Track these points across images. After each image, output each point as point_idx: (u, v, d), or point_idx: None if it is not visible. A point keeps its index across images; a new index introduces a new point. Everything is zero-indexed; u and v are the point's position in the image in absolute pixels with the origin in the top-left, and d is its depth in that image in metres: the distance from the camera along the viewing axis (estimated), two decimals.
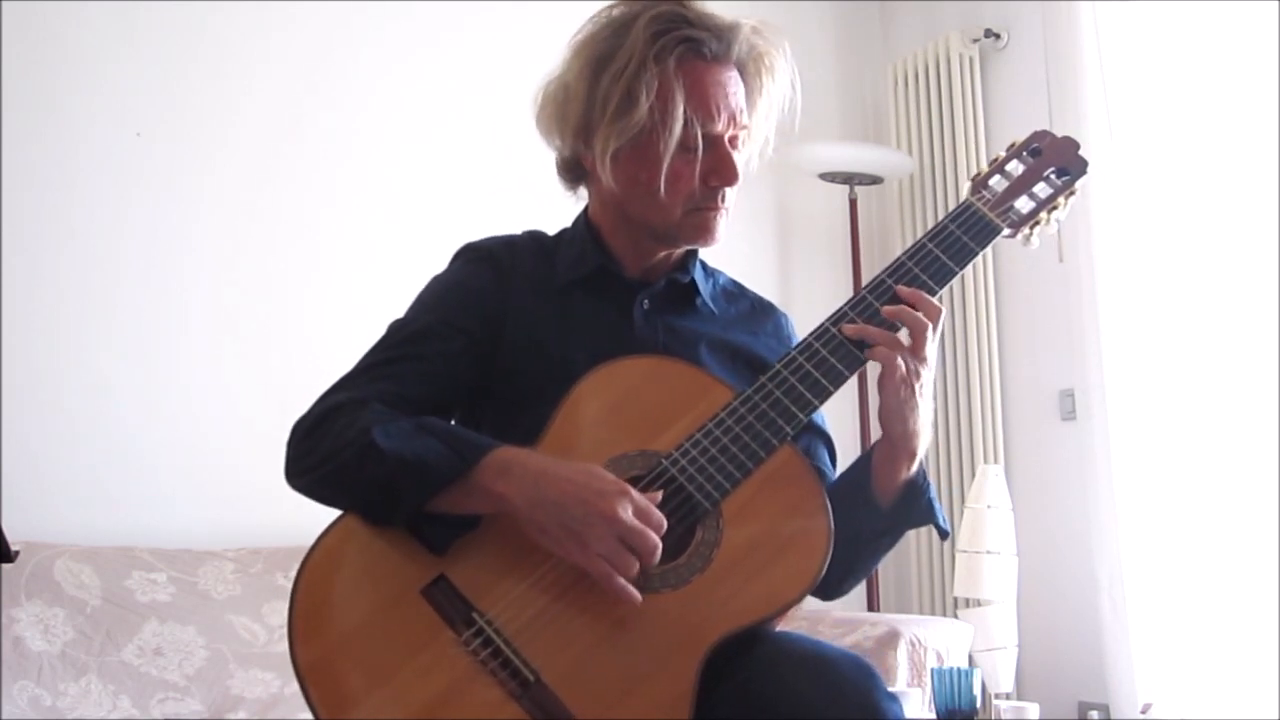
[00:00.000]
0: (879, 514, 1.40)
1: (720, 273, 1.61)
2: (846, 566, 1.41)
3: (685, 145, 1.40)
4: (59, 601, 2.53)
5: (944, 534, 1.45)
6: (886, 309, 1.38)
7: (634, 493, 1.23)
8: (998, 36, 3.76)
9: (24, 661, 2.40)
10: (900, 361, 1.35)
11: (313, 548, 1.29)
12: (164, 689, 2.48)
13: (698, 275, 1.53)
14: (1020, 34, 3.70)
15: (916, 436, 1.37)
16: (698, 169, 1.41)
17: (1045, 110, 3.50)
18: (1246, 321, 3.02)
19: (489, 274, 1.48)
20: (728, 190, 1.44)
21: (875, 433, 3.65)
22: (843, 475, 1.47)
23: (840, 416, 3.48)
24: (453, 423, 1.49)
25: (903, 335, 1.38)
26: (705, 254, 1.58)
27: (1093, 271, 3.26)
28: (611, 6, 1.44)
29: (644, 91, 1.37)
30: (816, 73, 4.09)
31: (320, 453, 1.32)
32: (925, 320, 1.36)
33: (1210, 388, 3.08)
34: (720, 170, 1.42)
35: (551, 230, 1.58)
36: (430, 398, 1.41)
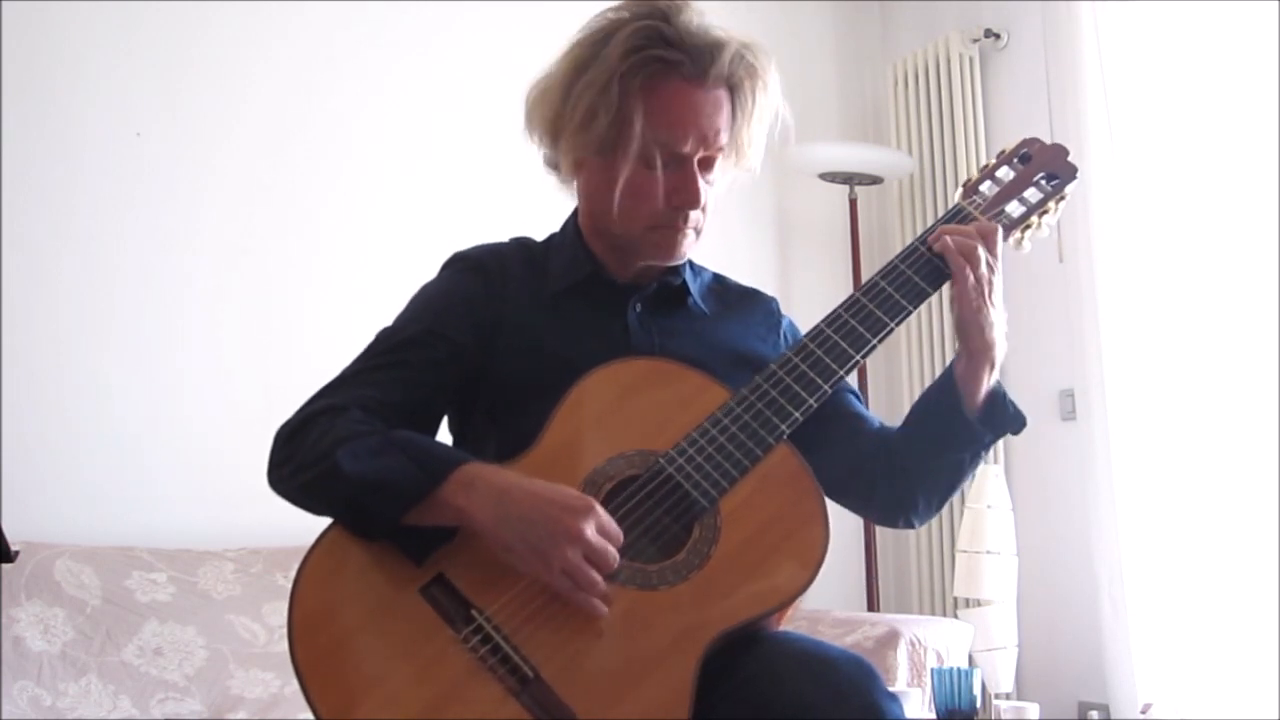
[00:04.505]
0: (971, 426, 1.41)
1: (704, 269, 1.61)
2: (946, 485, 1.47)
3: (646, 162, 1.41)
4: (59, 601, 2.53)
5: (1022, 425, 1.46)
6: (947, 226, 1.43)
7: (599, 510, 1.24)
8: (998, 36, 3.76)
9: (24, 661, 2.40)
10: (971, 270, 1.37)
11: (313, 547, 1.29)
12: (164, 689, 2.48)
13: (687, 276, 1.54)
14: (1020, 34, 3.71)
15: (995, 346, 1.39)
16: (660, 187, 1.42)
17: (1045, 110, 3.50)
18: (1246, 322, 3.02)
19: (478, 282, 1.49)
20: (692, 212, 1.44)
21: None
22: (925, 396, 1.49)
23: None
24: (445, 422, 1.51)
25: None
26: (702, 253, 1.58)
27: (1093, 271, 3.26)
28: (610, 8, 1.44)
29: (603, 108, 1.38)
30: (816, 73, 4.09)
31: (294, 463, 1.34)
32: (990, 224, 1.42)
33: (1210, 387, 3.08)
34: (682, 191, 1.42)
35: (541, 235, 1.59)
36: (414, 404, 1.42)
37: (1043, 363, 3.50)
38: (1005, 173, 1.51)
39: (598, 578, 1.22)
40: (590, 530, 1.22)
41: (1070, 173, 1.51)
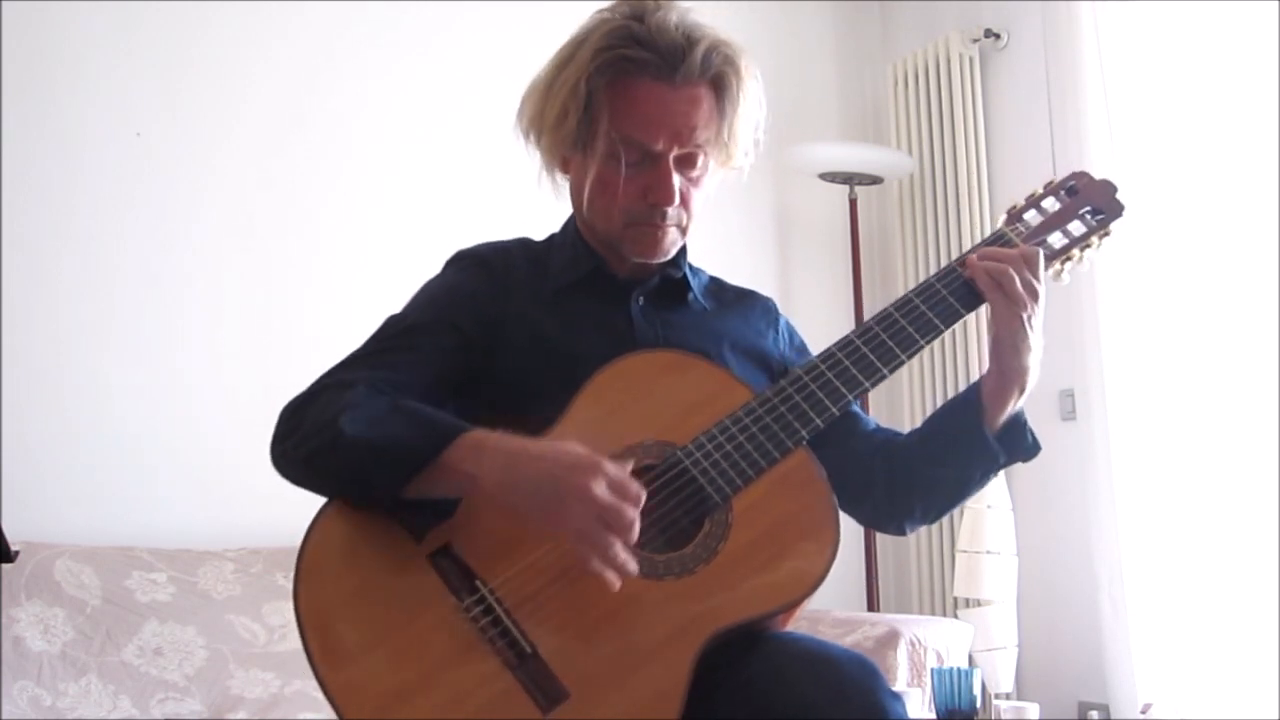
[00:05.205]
0: (988, 444, 1.42)
1: (702, 271, 1.62)
2: (947, 498, 1.47)
3: (616, 159, 1.41)
4: (59, 601, 2.53)
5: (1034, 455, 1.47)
6: (988, 249, 1.43)
7: (607, 465, 1.21)
8: (998, 36, 3.76)
9: (24, 661, 2.40)
10: (1005, 293, 1.38)
11: (327, 503, 1.31)
12: (164, 689, 2.48)
13: (687, 272, 1.55)
14: (1020, 34, 3.71)
15: (1028, 372, 1.40)
16: (625, 183, 1.42)
17: (1045, 110, 3.50)
18: (1246, 322, 3.02)
19: (482, 278, 1.50)
20: (670, 210, 1.44)
21: None
22: (947, 407, 1.50)
23: None
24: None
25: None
26: (702, 253, 1.59)
27: (1093, 272, 3.24)
28: (599, 8, 1.46)
29: (573, 107, 1.40)
30: (816, 73, 4.09)
31: (298, 435, 1.33)
32: (1032, 248, 1.42)
33: (1210, 388, 3.08)
34: (656, 189, 1.43)
35: (542, 235, 1.59)
36: (420, 387, 1.42)
37: (1043, 363, 3.49)
38: (1051, 203, 1.52)
39: (611, 539, 1.18)
40: (599, 487, 1.19)
41: (1116, 210, 1.52)
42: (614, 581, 1.21)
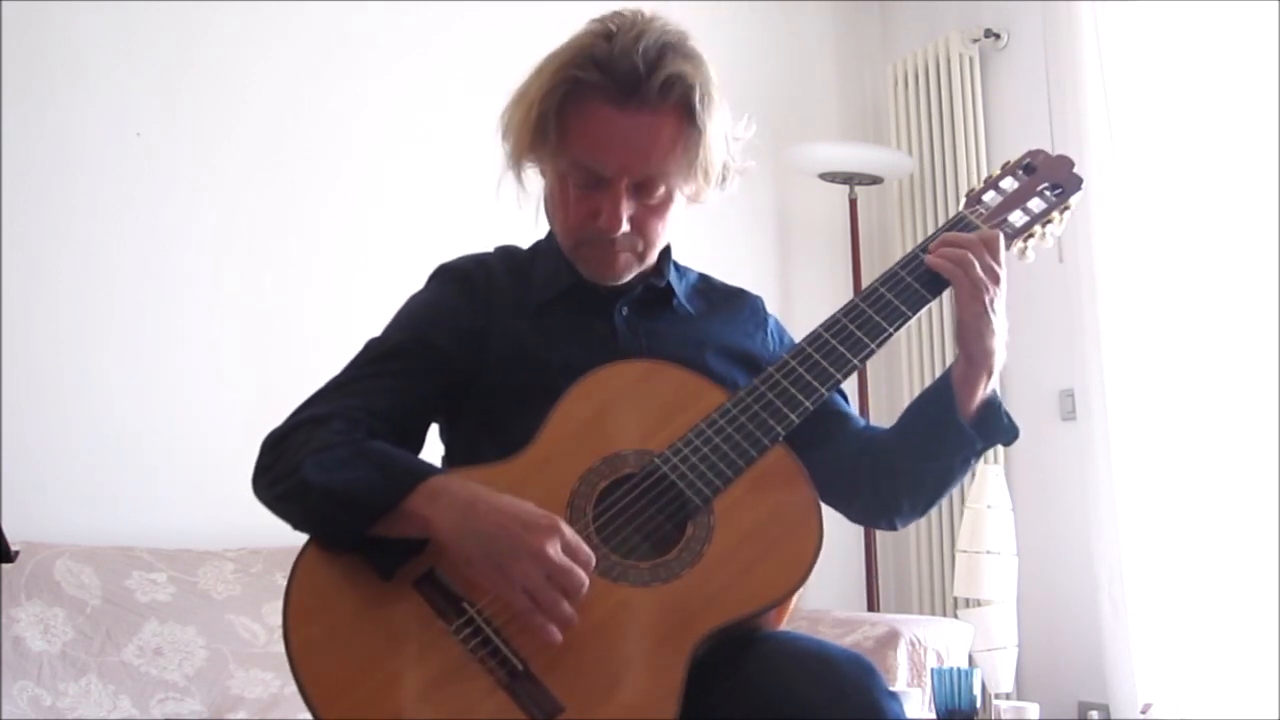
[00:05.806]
0: (964, 431, 1.41)
1: (689, 270, 1.61)
2: (932, 489, 1.46)
3: (568, 179, 1.41)
4: (59, 601, 2.53)
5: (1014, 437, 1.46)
6: (948, 235, 1.42)
7: (565, 528, 1.22)
8: (998, 36, 3.76)
9: (24, 661, 2.40)
10: (967, 277, 1.37)
11: (310, 538, 1.31)
12: (164, 689, 2.49)
13: (671, 278, 1.54)
14: (1020, 34, 3.71)
15: (994, 354, 1.39)
16: (575, 203, 1.42)
17: (1045, 110, 3.50)
18: (1246, 322, 3.02)
19: (465, 293, 1.49)
20: (620, 236, 1.41)
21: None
22: (920, 398, 1.49)
23: None
24: (435, 428, 1.51)
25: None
26: (702, 253, 1.58)
27: (1093, 271, 3.26)
28: (592, 19, 1.43)
29: (527, 124, 1.40)
30: (816, 73, 4.09)
31: (273, 471, 1.34)
32: (992, 231, 1.42)
33: (1210, 388, 3.08)
34: (603, 214, 1.40)
35: (538, 236, 1.59)
36: (401, 413, 1.42)
37: (1043, 363, 3.50)
38: (1009, 183, 1.51)
39: (558, 598, 1.20)
40: (553, 549, 1.20)
41: (1075, 184, 1.51)
42: (556, 635, 1.21)
